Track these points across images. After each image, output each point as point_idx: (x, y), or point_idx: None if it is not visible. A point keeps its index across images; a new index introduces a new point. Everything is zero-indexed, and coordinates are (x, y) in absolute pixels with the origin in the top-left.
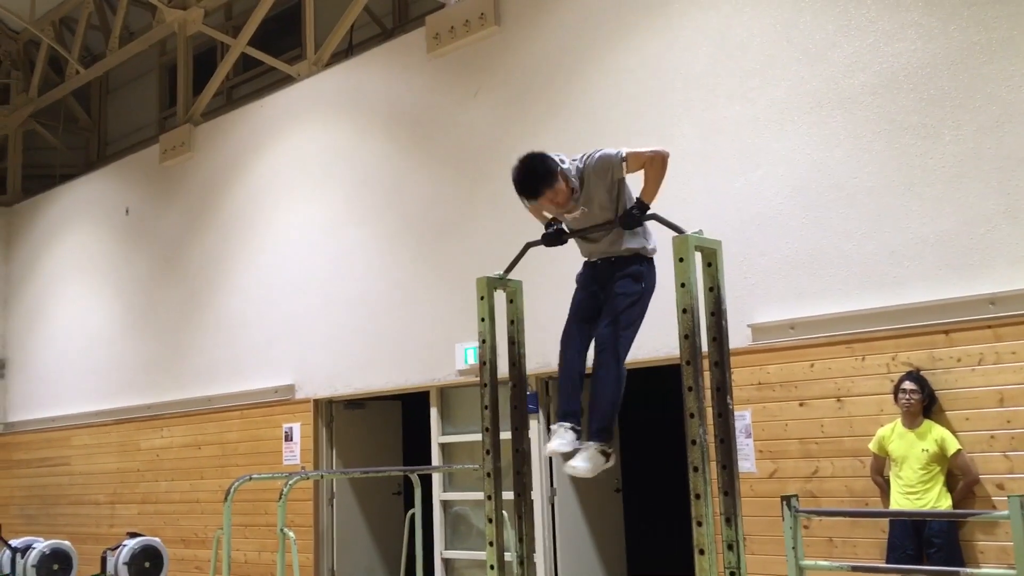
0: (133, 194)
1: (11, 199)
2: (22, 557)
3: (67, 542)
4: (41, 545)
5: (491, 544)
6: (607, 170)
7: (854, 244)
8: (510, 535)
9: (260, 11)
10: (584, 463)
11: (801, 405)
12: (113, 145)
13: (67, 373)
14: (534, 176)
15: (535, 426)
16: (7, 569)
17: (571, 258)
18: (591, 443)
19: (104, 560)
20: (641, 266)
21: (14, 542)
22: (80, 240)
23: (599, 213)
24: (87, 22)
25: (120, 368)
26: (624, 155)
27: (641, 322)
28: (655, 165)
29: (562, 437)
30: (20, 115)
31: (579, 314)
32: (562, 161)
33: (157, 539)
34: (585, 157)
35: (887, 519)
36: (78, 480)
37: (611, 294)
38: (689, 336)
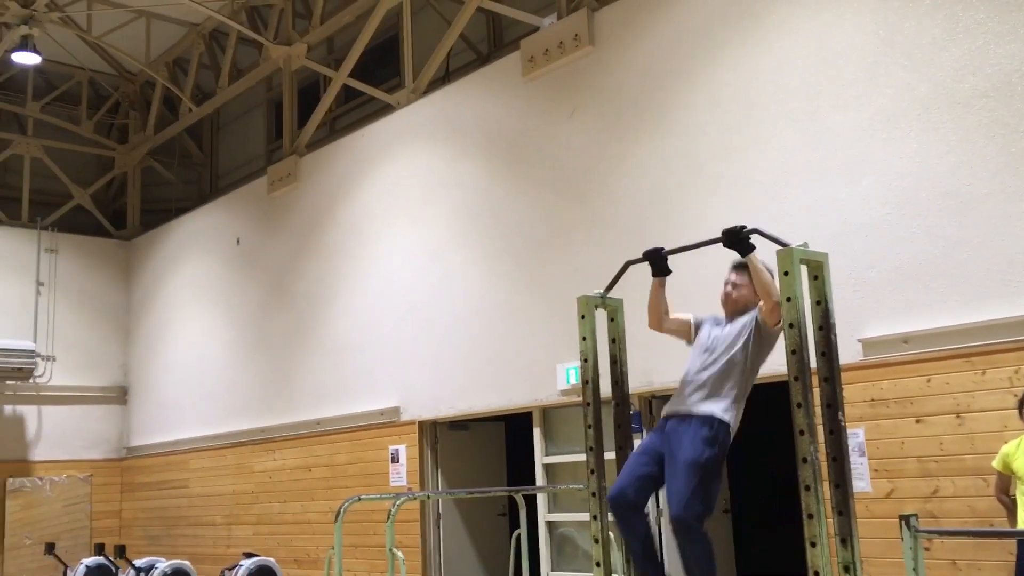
0: (243, 225)
1: (130, 233)
2: None
3: (187, 562)
4: (163, 565)
5: (598, 565)
6: (746, 329)
7: (969, 253)
8: (617, 556)
9: (360, 43)
10: None
11: (918, 422)
12: (224, 178)
13: (184, 398)
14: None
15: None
16: None
17: (673, 276)
18: None
19: None
20: (714, 429)
21: (138, 562)
22: (195, 270)
23: (722, 352)
24: (198, 62)
25: (234, 393)
26: (760, 316)
27: (716, 490)
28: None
29: None
30: (138, 153)
31: (635, 472)
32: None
33: (271, 559)
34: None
35: (1015, 541)
36: (196, 502)
37: (676, 459)
38: (796, 351)
